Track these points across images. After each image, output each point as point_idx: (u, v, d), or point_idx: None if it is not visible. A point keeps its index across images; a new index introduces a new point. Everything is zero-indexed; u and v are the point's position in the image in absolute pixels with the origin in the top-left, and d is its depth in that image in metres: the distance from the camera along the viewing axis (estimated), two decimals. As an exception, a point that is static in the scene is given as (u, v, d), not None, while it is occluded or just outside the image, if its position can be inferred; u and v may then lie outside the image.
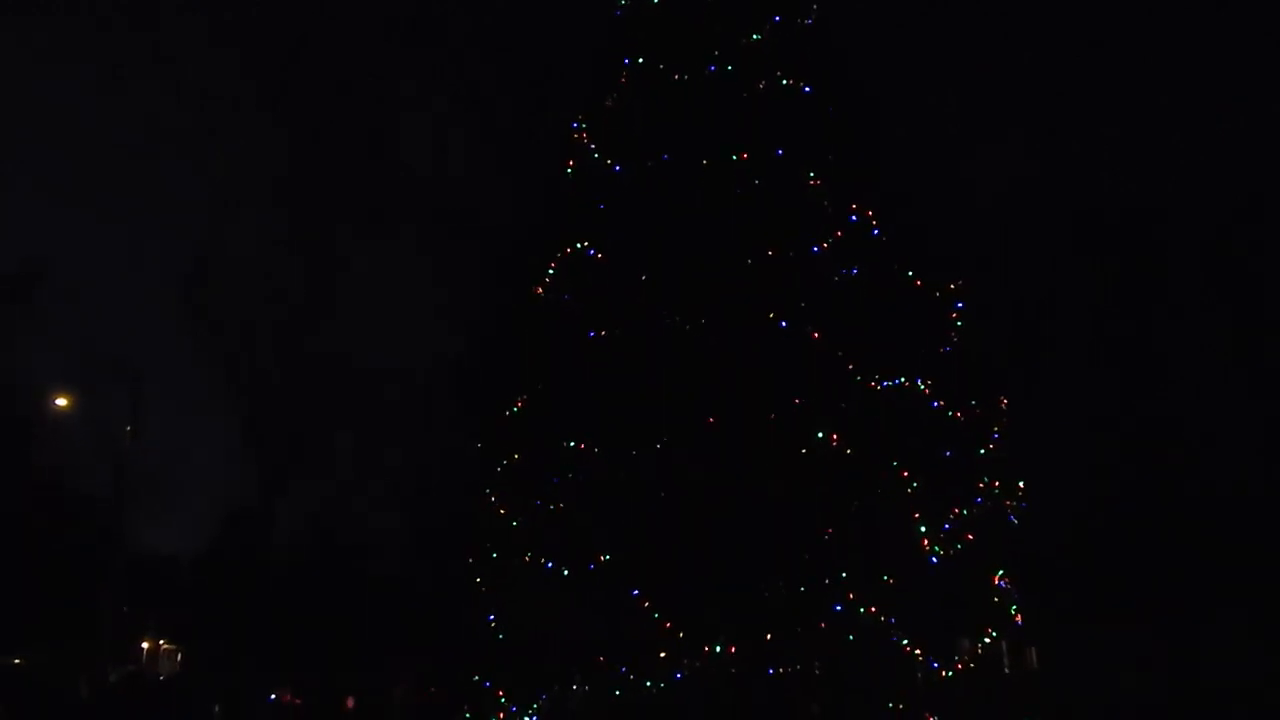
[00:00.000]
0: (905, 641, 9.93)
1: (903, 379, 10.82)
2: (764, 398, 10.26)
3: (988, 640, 10.78)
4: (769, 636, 9.84)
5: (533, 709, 10.50)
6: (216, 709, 19.88)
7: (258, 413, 29.75)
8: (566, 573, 10.32)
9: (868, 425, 10.42)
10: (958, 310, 11.66)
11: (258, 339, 30.38)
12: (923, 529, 10.24)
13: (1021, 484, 11.33)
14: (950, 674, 10.21)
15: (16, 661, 20.32)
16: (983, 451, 11.18)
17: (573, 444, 10.80)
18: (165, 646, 44.02)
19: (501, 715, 10.51)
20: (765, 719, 10.12)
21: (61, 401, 28.03)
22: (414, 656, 19.30)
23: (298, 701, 20.99)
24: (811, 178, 11.25)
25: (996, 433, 11.28)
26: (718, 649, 9.88)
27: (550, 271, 11.90)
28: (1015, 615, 10.91)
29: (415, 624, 19.70)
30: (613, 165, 11.77)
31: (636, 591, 9.86)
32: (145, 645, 42.54)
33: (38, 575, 27.28)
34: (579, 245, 11.68)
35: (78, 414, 30.09)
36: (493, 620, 10.85)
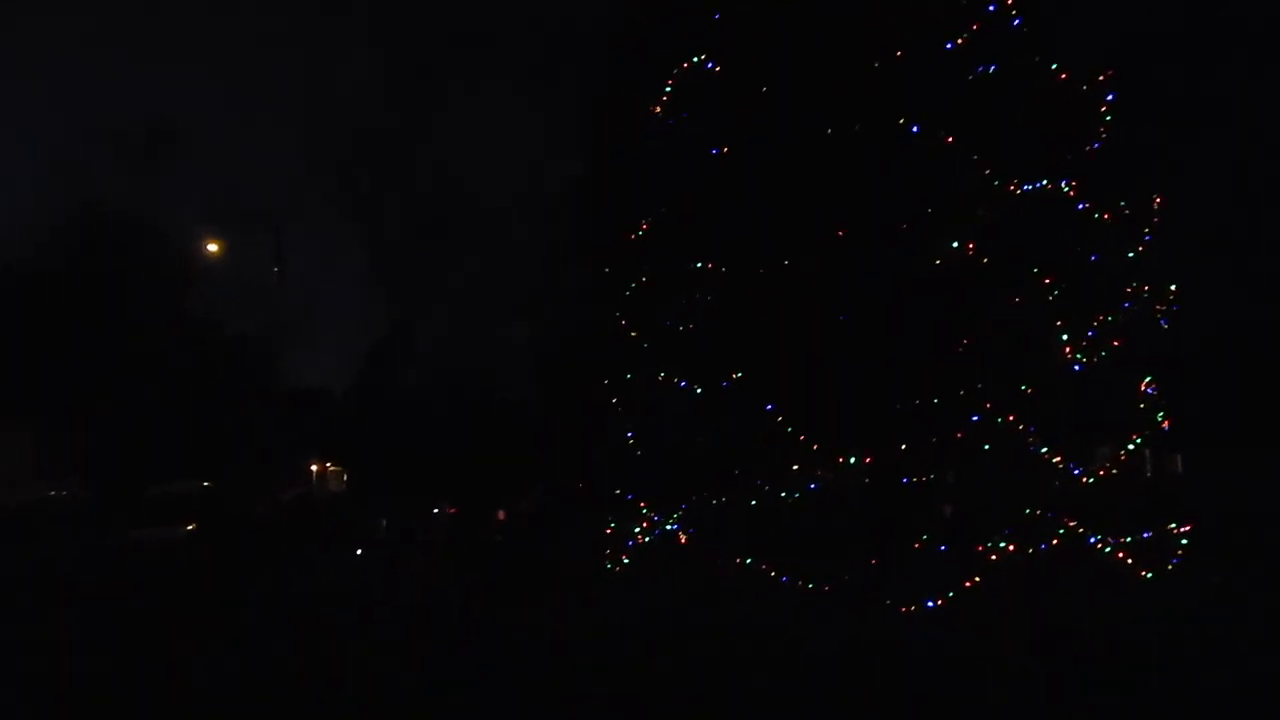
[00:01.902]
0: (1044, 449, 9.83)
1: (1045, 181, 10.24)
2: (895, 207, 9.91)
3: (1131, 447, 10.55)
4: (904, 447, 9.88)
5: (673, 518, 10.93)
6: (383, 523, 21.61)
7: (387, 250, 30.66)
8: (700, 390, 10.51)
9: (1006, 231, 10.01)
10: (1108, 103, 10.82)
11: (380, 178, 30.99)
12: (1065, 336, 9.94)
13: (1174, 287, 10.76)
14: (1091, 480, 10.10)
15: (205, 484, 22.41)
16: (1132, 254, 10.62)
17: (699, 264, 10.76)
18: (331, 469, 47.82)
19: (645, 524, 11.03)
20: (897, 524, 10.29)
21: (212, 247, 29.65)
22: (558, 472, 20.33)
23: (453, 512, 22.65)
24: (945, -35, 10.42)
25: (1148, 234, 10.65)
26: (852, 460, 10.01)
27: (667, 89, 11.54)
28: (1162, 422, 10.60)
29: (557, 441, 20.64)
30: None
31: (771, 406, 9.99)
32: (314, 468, 46.29)
33: (210, 408, 29.67)
34: (695, 59, 11.23)
35: (226, 261, 31.81)
36: (631, 437, 11.24)
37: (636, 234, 11.46)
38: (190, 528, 18.35)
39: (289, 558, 18.33)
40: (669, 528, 10.90)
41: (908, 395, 9.88)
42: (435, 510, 23.18)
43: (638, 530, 11.08)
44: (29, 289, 29.00)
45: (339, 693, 8.17)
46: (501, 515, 20.69)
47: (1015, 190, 10.09)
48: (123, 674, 9.19)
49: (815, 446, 10.02)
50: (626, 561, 11.13)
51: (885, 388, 9.86)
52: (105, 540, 16.68)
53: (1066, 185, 10.25)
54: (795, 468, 10.55)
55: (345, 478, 47.10)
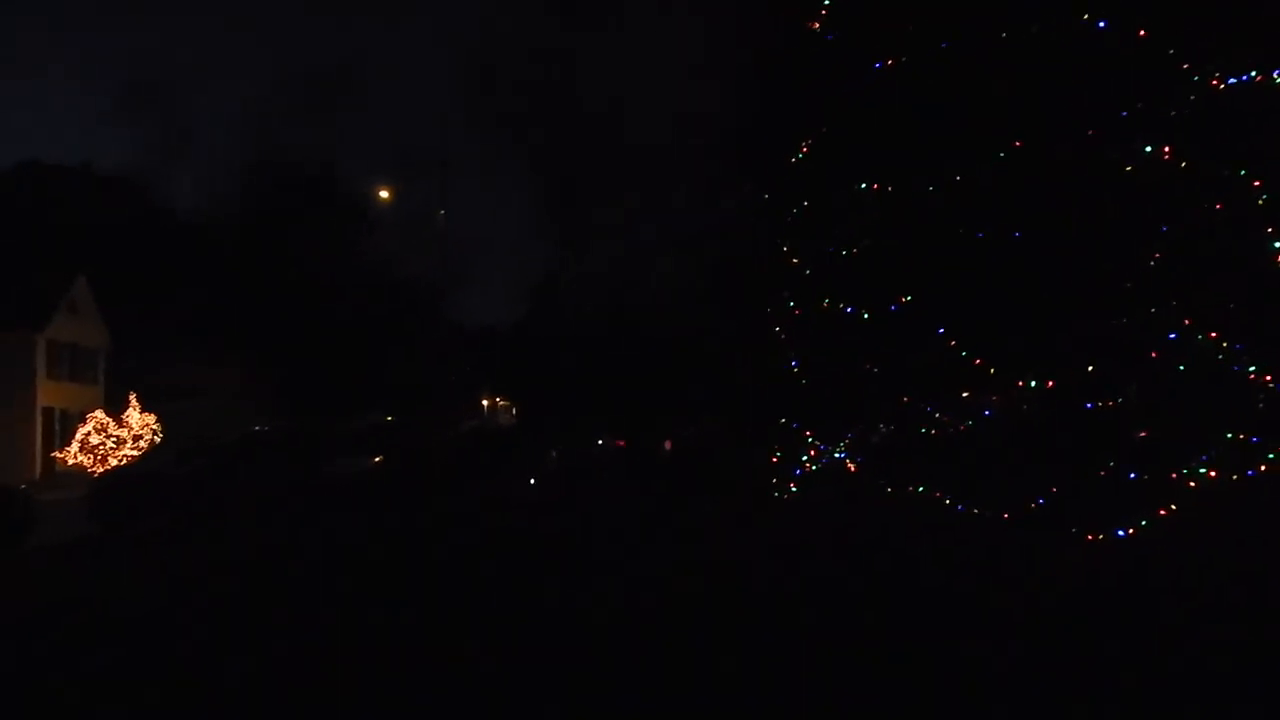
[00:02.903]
0: (1251, 368, 8.96)
1: (1254, 73, 9.15)
2: (1081, 111, 9.12)
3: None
4: (1090, 369, 9.24)
5: (840, 446, 10.70)
6: (553, 453, 22.23)
7: (548, 187, 30.98)
8: (867, 315, 10.15)
9: (1207, 131, 9.04)
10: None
11: (538, 116, 31.23)
12: (1276, 244, 8.94)
13: None
14: (1308, 401, 9.15)
15: (388, 418, 23.67)
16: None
17: (864, 185, 10.31)
18: (501, 402, 49.73)
19: (812, 453, 10.84)
20: (1080, 450, 9.69)
21: (384, 194, 30.87)
22: (721, 403, 20.28)
23: (621, 444, 23.11)
24: None
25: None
26: (1032, 384, 9.44)
27: (825, 1, 10.98)
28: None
29: (719, 372, 20.57)
30: None
31: (942, 330, 9.53)
32: (485, 402, 48.30)
33: (390, 347, 31.23)
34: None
35: (397, 205, 33.17)
36: (795, 365, 11.02)
37: (796, 157, 11.08)
38: (377, 459, 19.38)
39: (467, 485, 19.13)
40: (836, 456, 10.66)
41: (1092, 314, 9.20)
42: (601, 441, 23.72)
43: (805, 459, 10.91)
44: (231, 239, 31.17)
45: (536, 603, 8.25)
46: (668, 445, 20.90)
47: (1218, 85, 9.08)
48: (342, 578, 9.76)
49: (991, 371, 9.50)
50: (794, 490, 11.00)
51: (1067, 306, 9.22)
52: (305, 470, 17.85)
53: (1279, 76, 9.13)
54: (966, 395, 10.07)
55: (514, 411, 48.94)
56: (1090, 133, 9.06)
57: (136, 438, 33.40)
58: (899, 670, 5.93)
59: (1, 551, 13.21)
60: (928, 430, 10.43)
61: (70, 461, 32.68)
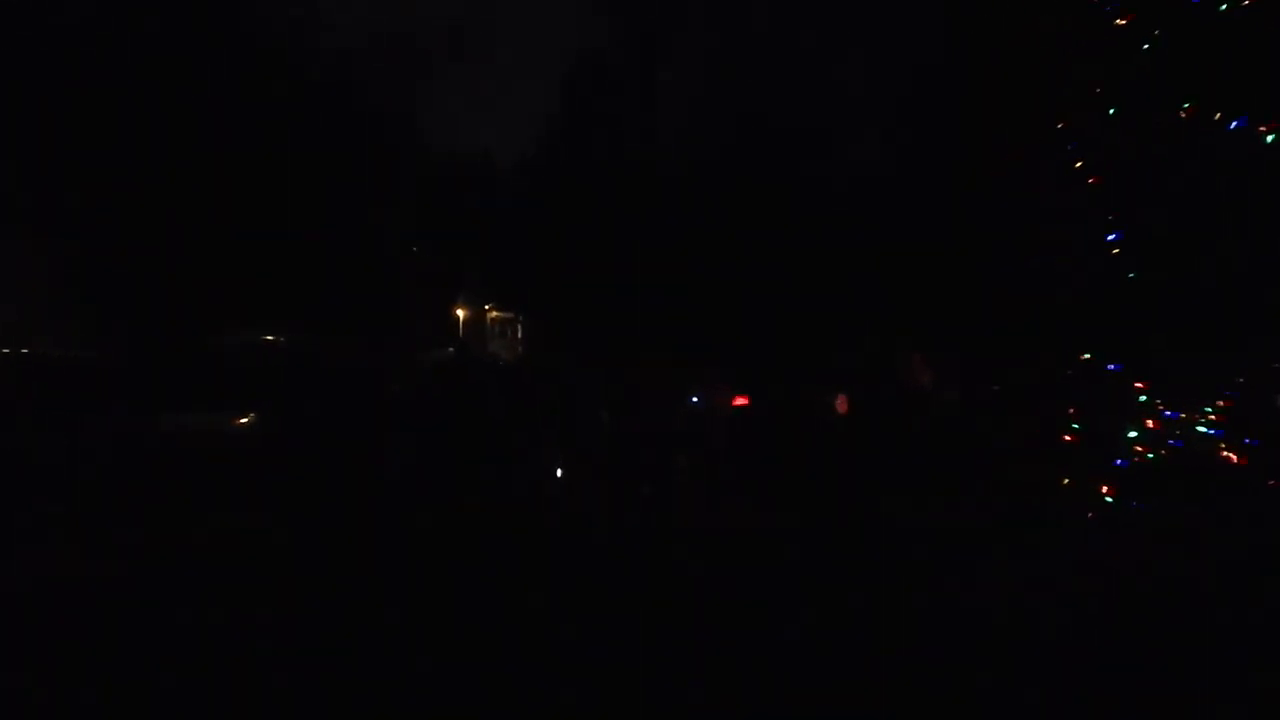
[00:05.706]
0: None
1: None
2: None
3: None
4: None
5: (1204, 415, 10.95)
6: (604, 416, 22.35)
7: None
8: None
9: None
10: None
11: None
12: None
13: None
14: None
15: (267, 338, 23.92)
16: None
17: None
18: (493, 314, 50.55)
19: (1150, 425, 11.05)
20: None
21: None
22: (927, 322, 20.36)
23: (739, 402, 23.09)
24: None
25: None
26: None
27: None
28: None
29: (922, 271, 20.69)
30: None
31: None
32: (461, 313, 49.07)
33: (288, 200, 31.69)
34: None
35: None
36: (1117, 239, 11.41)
37: None
38: (244, 419, 19.59)
39: (438, 482, 19.25)
40: (1199, 430, 10.74)
41: None
42: (696, 398, 23.74)
43: (1132, 435, 10.94)
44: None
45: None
46: (842, 405, 20.74)
47: None
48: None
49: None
50: (1109, 499, 11.02)
51: None
52: (119, 432, 18.19)
53: None
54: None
55: (520, 330, 49.65)
56: None
57: None
58: None
59: None
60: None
61: None
